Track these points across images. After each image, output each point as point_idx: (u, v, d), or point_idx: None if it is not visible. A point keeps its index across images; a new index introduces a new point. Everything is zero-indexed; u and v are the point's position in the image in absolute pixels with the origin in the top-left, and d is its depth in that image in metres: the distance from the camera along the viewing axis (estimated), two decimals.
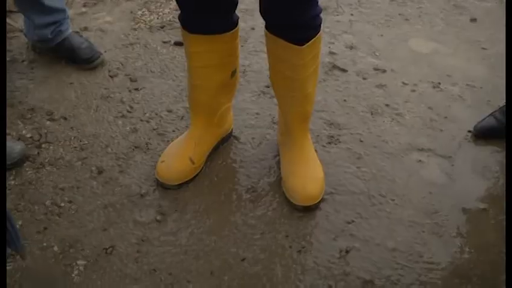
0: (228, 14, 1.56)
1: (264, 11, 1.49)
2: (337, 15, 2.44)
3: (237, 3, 1.56)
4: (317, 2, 1.45)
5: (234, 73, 1.67)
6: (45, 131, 1.89)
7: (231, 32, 1.58)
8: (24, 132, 1.88)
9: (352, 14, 2.45)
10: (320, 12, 1.48)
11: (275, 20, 1.49)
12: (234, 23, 1.58)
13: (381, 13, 2.46)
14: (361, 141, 1.89)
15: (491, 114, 1.91)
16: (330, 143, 1.88)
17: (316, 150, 1.77)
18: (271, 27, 1.51)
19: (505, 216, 1.24)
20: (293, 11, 1.43)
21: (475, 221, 1.66)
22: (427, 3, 2.52)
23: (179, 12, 1.58)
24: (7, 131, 1.86)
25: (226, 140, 1.85)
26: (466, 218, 1.67)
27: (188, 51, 1.62)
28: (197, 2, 1.50)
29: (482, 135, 1.89)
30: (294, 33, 1.47)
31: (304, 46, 1.49)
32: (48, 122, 1.92)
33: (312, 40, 1.49)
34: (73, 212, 1.65)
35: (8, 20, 2.27)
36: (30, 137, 1.86)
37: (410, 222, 1.65)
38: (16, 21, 2.29)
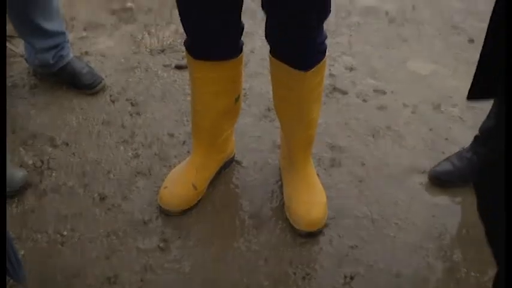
0: (234, 40, 1.55)
1: (269, 36, 1.48)
2: (336, 36, 2.45)
3: (243, 29, 1.55)
4: (323, 29, 1.45)
5: (237, 99, 1.68)
6: (47, 157, 1.88)
7: (236, 58, 1.57)
8: (26, 159, 1.87)
9: (351, 35, 2.46)
10: (326, 39, 1.47)
11: (280, 45, 1.47)
12: (239, 50, 1.58)
13: (380, 34, 2.48)
14: (363, 164, 1.89)
15: (447, 159, 1.84)
16: (331, 166, 1.88)
17: (318, 174, 1.77)
18: (276, 53, 1.50)
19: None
20: (299, 37, 1.42)
21: (480, 244, 1.64)
22: (425, 24, 2.54)
23: (179, 35, 1.57)
24: (9, 157, 1.86)
25: (228, 165, 1.85)
26: (471, 241, 1.66)
27: (192, 77, 1.61)
28: (203, 28, 1.49)
29: (438, 181, 1.81)
30: (299, 59, 1.46)
31: (309, 72, 1.48)
32: (50, 149, 1.91)
33: (317, 66, 1.49)
34: (76, 240, 1.65)
35: (8, 45, 2.28)
36: (32, 164, 1.85)
37: (414, 247, 1.65)
38: (17, 47, 2.29)
